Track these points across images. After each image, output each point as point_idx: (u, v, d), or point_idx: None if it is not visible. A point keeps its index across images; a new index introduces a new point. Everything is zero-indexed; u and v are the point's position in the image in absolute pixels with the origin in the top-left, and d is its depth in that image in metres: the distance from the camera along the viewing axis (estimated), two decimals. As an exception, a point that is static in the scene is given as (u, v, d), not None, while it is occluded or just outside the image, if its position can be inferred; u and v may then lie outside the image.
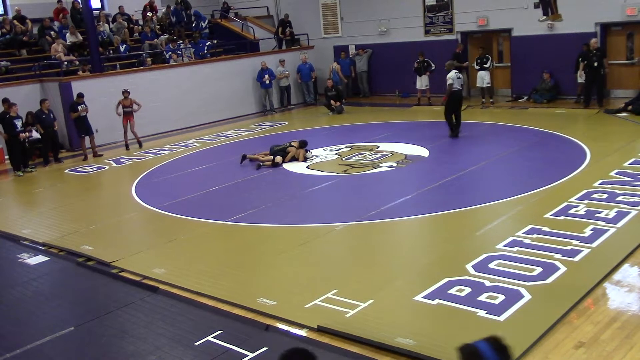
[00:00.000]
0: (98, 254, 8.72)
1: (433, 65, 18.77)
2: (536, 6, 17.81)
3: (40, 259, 8.92)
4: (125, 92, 16.18)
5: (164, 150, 16.09)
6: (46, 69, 17.98)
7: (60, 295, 7.85)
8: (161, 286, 7.46)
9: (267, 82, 20.24)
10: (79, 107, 15.39)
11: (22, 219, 11.14)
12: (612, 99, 17.05)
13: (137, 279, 7.82)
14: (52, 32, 19.31)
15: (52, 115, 15.44)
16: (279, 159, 13.04)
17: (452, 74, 14.34)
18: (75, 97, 15.61)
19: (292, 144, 13.48)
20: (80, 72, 17.55)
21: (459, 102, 14.47)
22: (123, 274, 8.06)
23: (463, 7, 19.27)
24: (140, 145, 16.60)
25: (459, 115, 14.49)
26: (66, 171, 14.72)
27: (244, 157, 13.48)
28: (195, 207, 10.66)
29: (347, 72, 21.31)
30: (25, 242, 9.71)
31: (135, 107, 16.28)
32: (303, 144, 13.50)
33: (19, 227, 10.53)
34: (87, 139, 15.85)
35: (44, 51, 18.98)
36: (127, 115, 16.26)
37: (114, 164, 14.99)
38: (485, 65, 17.98)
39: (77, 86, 16.50)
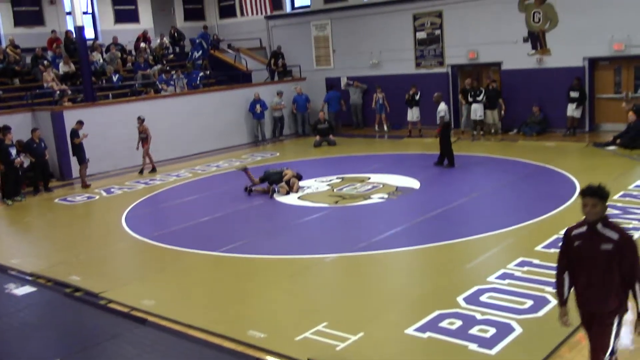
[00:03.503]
0: (86, 285, 8.62)
1: (417, 96, 19.00)
2: (525, 40, 18.14)
3: (28, 289, 8.81)
4: (138, 119, 16.61)
5: (155, 180, 16.06)
6: (38, 98, 18.02)
7: (47, 327, 7.74)
8: (150, 318, 7.38)
9: (259, 112, 20.35)
10: (80, 133, 15.51)
11: (10, 249, 11.03)
12: (601, 132, 17.24)
13: (126, 310, 7.73)
14: (44, 62, 19.39)
15: (42, 145, 15.42)
16: (284, 186, 13.06)
17: (444, 105, 14.56)
18: (75, 123, 15.71)
19: (287, 169, 13.50)
20: (66, 103, 17.60)
21: (449, 133, 14.71)
22: (111, 305, 7.96)
23: (453, 41, 19.55)
24: (141, 172, 16.82)
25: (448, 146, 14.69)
26: (56, 200, 14.64)
27: (246, 188, 13.43)
28: (186, 238, 10.61)
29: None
30: (12, 272, 9.59)
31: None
32: (299, 177, 13.53)
33: (7, 257, 10.39)
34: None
35: (37, 80, 19.04)
36: (142, 140, 16.71)
37: (104, 194, 14.93)
38: (478, 98, 18.16)
39: (69, 115, 16.53)
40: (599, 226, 4.50)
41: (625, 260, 4.41)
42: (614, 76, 17.34)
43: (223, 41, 24.60)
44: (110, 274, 9.27)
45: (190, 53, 22.81)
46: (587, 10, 16.74)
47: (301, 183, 13.58)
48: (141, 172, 16.77)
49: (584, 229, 4.59)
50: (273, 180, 13.26)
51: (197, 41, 22.61)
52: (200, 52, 22.65)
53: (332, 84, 21.96)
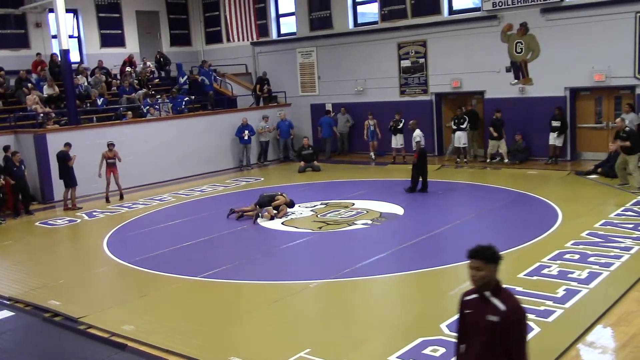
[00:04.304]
0: (65, 309, 8.50)
1: (401, 123, 19.10)
2: (508, 70, 18.40)
3: (6, 314, 8.66)
4: (110, 145, 16.30)
5: (138, 204, 15.95)
6: (21, 120, 17.91)
7: (24, 352, 7.59)
8: (130, 343, 7.27)
9: (247, 137, 20.37)
10: (71, 155, 15.52)
11: (-12, 272, 10.86)
12: (582, 161, 17.44)
13: (105, 335, 7.61)
14: (29, 84, 19.32)
15: (22, 167, 15.31)
16: (270, 210, 13.03)
17: (419, 132, 14.76)
18: (63, 146, 15.68)
19: (281, 194, 13.46)
20: (50, 126, 17.51)
21: (426, 158, 14.87)
22: (91, 330, 7.84)
23: (437, 70, 19.77)
24: (122, 197, 16.55)
25: (426, 172, 14.85)
26: (36, 224, 14.48)
27: (231, 211, 13.44)
28: (168, 263, 10.51)
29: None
30: (-10, 297, 9.45)
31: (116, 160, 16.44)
32: (291, 204, 13.46)
33: (-15, 280, 10.25)
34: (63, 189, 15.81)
35: (20, 103, 18.94)
36: (111, 166, 16.33)
37: (86, 217, 14.79)
38: (462, 126, 18.30)
39: (52, 138, 16.44)
40: (488, 294, 3.92)
41: (509, 337, 3.82)
42: (594, 106, 17.60)
43: (210, 67, 24.66)
44: (91, 298, 9.15)
45: (177, 79, 22.85)
46: (569, 42, 17.06)
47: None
48: (121, 197, 16.61)
49: (475, 295, 4.02)
50: (263, 203, 13.23)
51: (200, 79, 22.50)
52: (185, 77, 22.72)
53: (327, 109, 22.00)
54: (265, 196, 13.39)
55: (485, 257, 3.92)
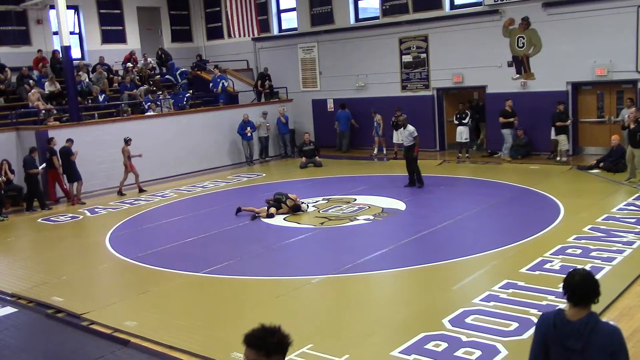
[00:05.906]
0: (68, 306, 8.52)
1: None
2: (509, 65, 18.36)
3: (9, 310, 8.69)
4: (129, 140, 16.61)
5: (140, 200, 15.97)
6: (23, 117, 17.91)
7: (28, 349, 7.61)
8: (132, 339, 7.29)
9: (249, 134, 20.34)
10: (72, 150, 15.63)
11: (-9, 269, 10.88)
12: (584, 156, 17.41)
13: (108, 331, 7.63)
14: (30, 81, 19.32)
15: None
16: (273, 210, 13.03)
17: (411, 127, 14.91)
18: (65, 142, 15.80)
19: (288, 201, 13.30)
20: (51, 122, 17.54)
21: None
22: (93, 326, 7.86)
23: (439, 65, 19.73)
24: (120, 193, 16.70)
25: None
26: (39, 220, 14.49)
27: (238, 209, 13.42)
28: (170, 259, 10.52)
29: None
30: (-7, 293, 9.47)
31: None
32: (295, 208, 13.31)
33: (-12, 277, 10.28)
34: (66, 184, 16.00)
35: (22, 99, 18.95)
36: (130, 160, 16.71)
37: (88, 214, 14.81)
38: (463, 121, 18.27)
39: (54, 135, 16.40)
40: None
41: None
42: (596, 101, 17.56)
43: (210, 62, 24.67)
44: (93, 295, 9.17)
45: (173, 76, 22.78)
46: (571, 36, 17.02)
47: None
48: (120, 193, 16.77)
49: None
50: (273, 202, 13.22)
51: (218, 80, 22.19)
52: (185, 75, 22.71)
53: (342, 103, 21.83)
54: (277, 196, 13.37)
55: (267, 347, 2.89)
